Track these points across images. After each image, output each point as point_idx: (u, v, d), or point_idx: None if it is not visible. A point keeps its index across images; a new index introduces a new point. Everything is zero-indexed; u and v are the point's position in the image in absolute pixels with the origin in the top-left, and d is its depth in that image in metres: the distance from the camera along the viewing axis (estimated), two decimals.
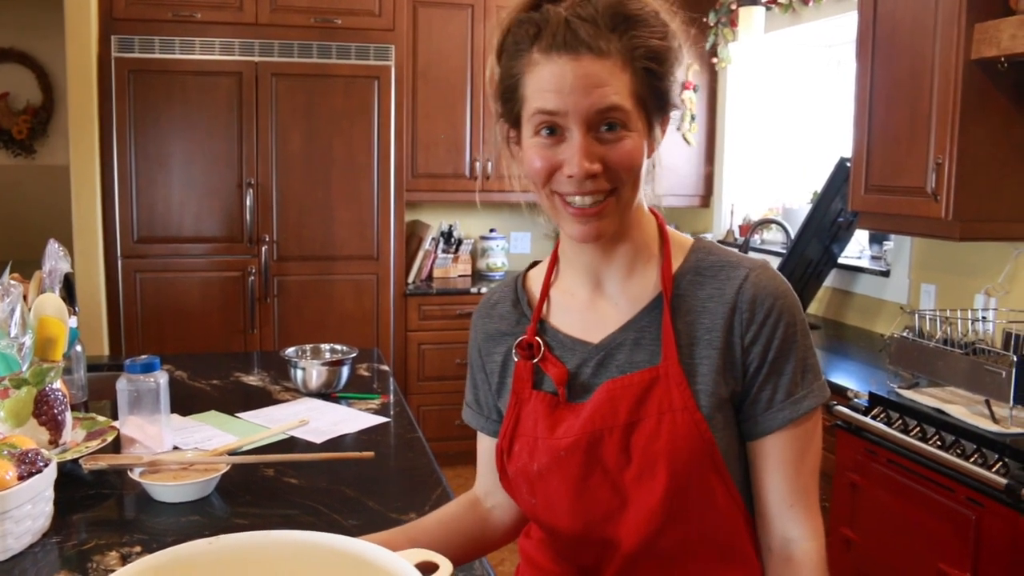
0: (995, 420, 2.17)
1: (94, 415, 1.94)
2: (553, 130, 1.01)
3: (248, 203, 4.17)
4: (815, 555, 1.06)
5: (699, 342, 1.06)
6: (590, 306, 1.14)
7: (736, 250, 1.15)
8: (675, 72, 1.04)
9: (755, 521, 1.11)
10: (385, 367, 2.69)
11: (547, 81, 0.99)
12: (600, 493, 1.08)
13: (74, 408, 1.85)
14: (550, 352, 1.14)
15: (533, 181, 1.06)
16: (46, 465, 1.44)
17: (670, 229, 1.16)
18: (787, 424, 1.06)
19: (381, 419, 2.13)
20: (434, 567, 0.98)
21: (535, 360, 1.14)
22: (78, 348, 2.10)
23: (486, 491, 1.29)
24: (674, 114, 1.10)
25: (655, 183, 1.12)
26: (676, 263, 1.11)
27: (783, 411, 1.06)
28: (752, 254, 3.78)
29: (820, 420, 1.10)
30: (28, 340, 1.63)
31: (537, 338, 1.15)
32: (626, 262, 1.12)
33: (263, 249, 4.21)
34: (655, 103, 1.03)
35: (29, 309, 1.68)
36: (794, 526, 1.07)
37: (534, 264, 1.25)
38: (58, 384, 1.73)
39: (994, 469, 2.01)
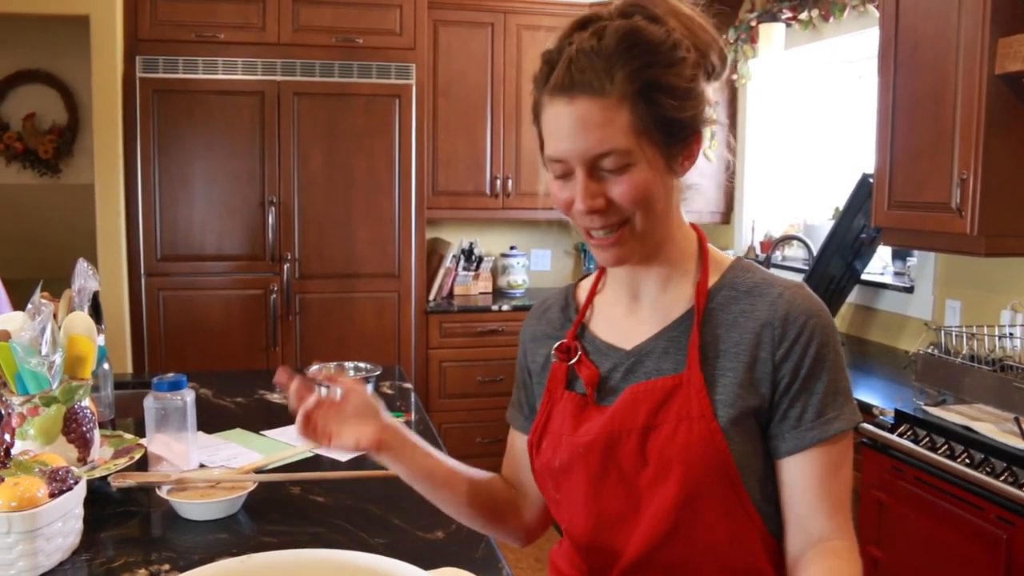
0: None
1: (121, 433, 1.95)
2: (564, 172, 1.06)
3: (270, 221, 4.19)
4: (846, 549, 1.07)
5: (725, 354, 1.09)
6: (627, 315, 1.18)
7: (775, 272, 1.18)
8: (691, 97, 1.05)
9: (780, 540, 1.11)
10: (408, 385, 2.70)
11: (550, 126, 1.05)
12: (615, 494, 1.12)
13: (101, 426, 1.86)
14: (586, 356, 1.19)
15: (562, 211, 1.11)
16: (76, 483, 1.44)
17: (711, 247, 1.18)
18: (815, 444, 1.06)
19: None
20: None
21: (571, 362, 1.19)
22: (105, 366, 2.12)
23: (505, 473, 1.36)
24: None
25: (689, 202, 1.16)
26: (713, 279, 1.14)
27: (812, 431, 1.06)
28: (774, 271, 3.76)
29: (851, 446, 1.10)
30: (58, 358, 1.64)
31: (576, 342, 1.20)
32: (661, 276, 1.15)
33: (285, 267, 4.24)
34: (666, 131, 1.04)
35: (59, 327, 1.69)
36: (818, 535, 1.07)
37: (585, 275, 1.31)
38: (87, 402, 1.74)
39: None
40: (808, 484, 1.07)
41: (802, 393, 1.07)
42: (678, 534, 1.08)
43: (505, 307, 4.60)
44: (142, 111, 4.03)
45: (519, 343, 1.33)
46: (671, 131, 1.04)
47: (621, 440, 1.10)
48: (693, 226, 1.20)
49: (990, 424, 2.26)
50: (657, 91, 1.02)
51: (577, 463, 1.14)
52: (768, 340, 1.07)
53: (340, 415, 1.18)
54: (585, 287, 1.27)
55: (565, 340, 1.21)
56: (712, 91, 1.09)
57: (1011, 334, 2.58)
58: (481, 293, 4.93)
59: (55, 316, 1.68)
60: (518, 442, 1.32)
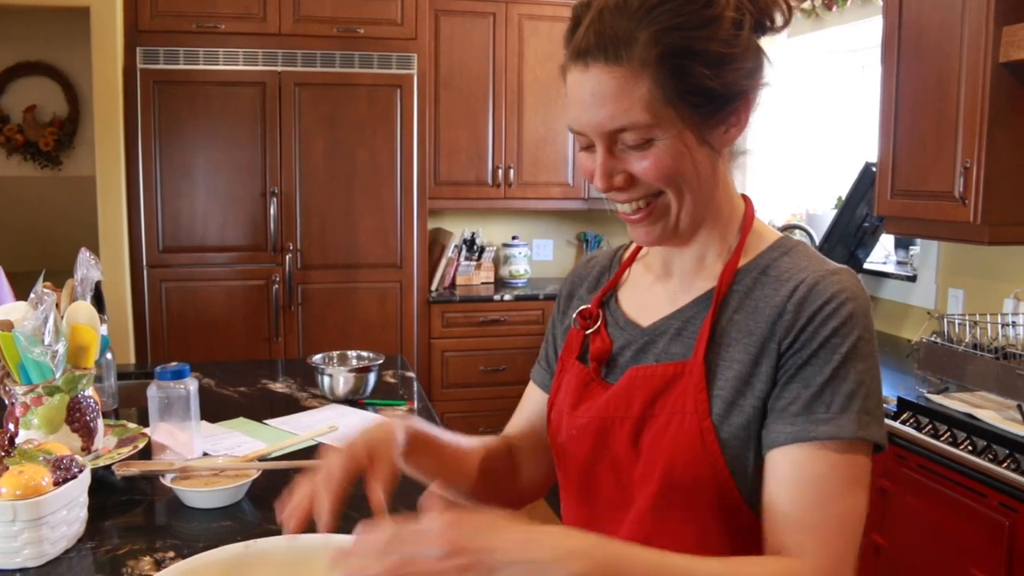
0: None
1: (125, 422, 1.95)
2: (587, 143, 0.98)
3: (272, 212, 4.19)
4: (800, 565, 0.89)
5: (736, 344, 0.97)
6: (653, 288, 1.09)
7: (826, 258, 1.02)
8: (729, 60, 0.92)
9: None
10: (410, 374, 2.70)
11: (570, 96, 0.96)
12: (604, 484, 1.05)
13: (105, 415, 1.86)
14: (605, 327, 1.11)
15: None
16: (80, 471, 1.45)
17: (759, 221, 1.06)
18: (793, 441, 0.91)
19: None
20: None
21: (588, 332, 1.11)
22: (108, 356, 2.12)
23: (514, 428, 1.25)
24: None
25: (744, 172, 1.06)
26: (746, 258, 1.02)
27: (792, 425, 0.91)
28: None
29: (864, 472, 0.92)
30: (61, 348, 1.64)
31: (599, 309, 1.12)
32: (697, 252, 1.05)
33: (287, 258, 4.24)
34: (698, 102, 0.92)
35: (62, 317, 1.69)
36: (776, 546, 0.91)
37: None
38: (90, 391, 1.74)
39: None
40: (783, 486, 0.91)
41: (794, 381, 0.93)
42: (659, 537, 0.96)
43: (507, 297, 4.60)
44: (143, 102, 4.03)
45: (558, 296, 1.24)
46: (705, 101, 0.92)
47: (614, 428, 1.02)
48: (744, 197, 1.08)
49: (992, 411, 2.26)
50: (685, 57, 0.90)
51: (572, 445, 1.08)
52: (780, 329, 0.95)
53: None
54: (632, 250, 1.18)
55: (589, 306, 1.13)
56: (743, 59, 0.94)
57: (1014, 322, 2.58)
58: (483, 283, 4.93)
59: (58, 306, 1.68)
60: (535, 395, 1.22)
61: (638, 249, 1.16)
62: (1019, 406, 2.20)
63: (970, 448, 2.18)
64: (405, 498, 1.66)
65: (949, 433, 2.27)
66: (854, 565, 0.91)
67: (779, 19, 0.96)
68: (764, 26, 0.96)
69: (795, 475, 0.91)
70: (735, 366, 0.96)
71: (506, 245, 5.03)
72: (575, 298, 1.20)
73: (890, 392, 2.57)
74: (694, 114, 0.92)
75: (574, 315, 1.14)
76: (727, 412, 0.95)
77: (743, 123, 0.98)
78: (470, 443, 1.17)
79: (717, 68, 0.91)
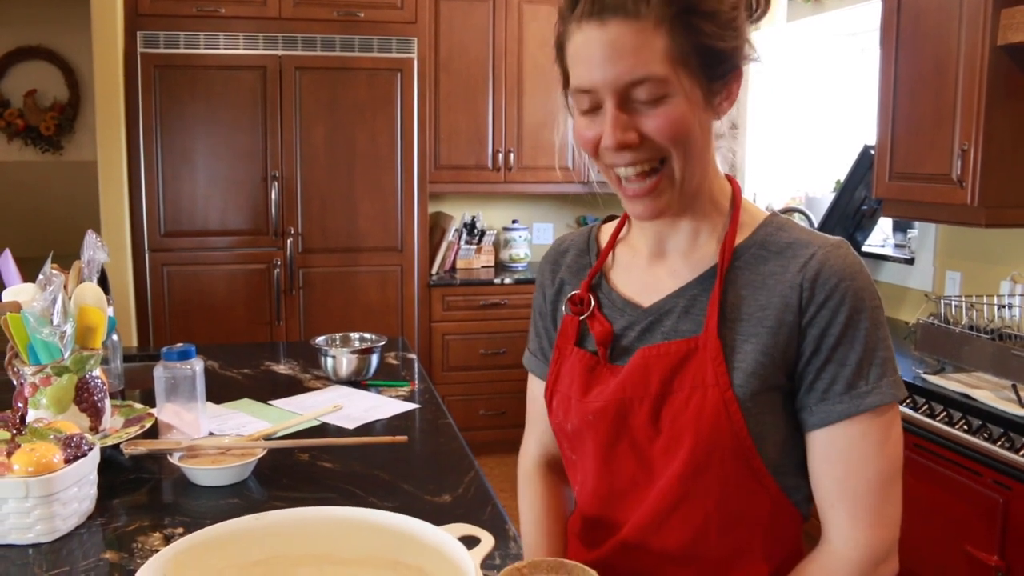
0: (1022, 404, 2.17)
1: (131, 403, 1.98)
2: (593, 105, 0.98)
3: (273, 196, 4.21)
4: (845, 563, 0.99)
5: (749, 319, 1.00)
6: (649, 268, 1.10)
7: (815, 230, 1.08)
8: (733, 27, 0.97)
9: (807, 512, 1.06)
10: (412, 355, 2.72)
11: (578, 55, 0.96)
12: (625, 462, 1.07)
13: (111, 396, 1.88)
14: (599, 310, 1.12)
15: (588, 155, 1.02)
16: (90, 449, 1.47)
17: (746, 200, 1.10)
18: (844, 418, 0.98)
19: (411, 406, 2.16)
20: (476, 540, 1.00)
21: (583, 317, 1.12)
22: (115, 338, 2.14)
23: (540, 441, 1.28)
24: None
25: (736, 145, 1.09)
26: (743, 236, 1.06)
27: (840, 404, 0.98)
28: None
29: (895, 424, 1.00)
30: (69, 328, 1.66)
31: (590, 294, 1.13)
32: (691, 229, 1.07)
33: (288, 241, 4.26)
34: (706, 62, 0.96)
35: (69, 298, 1.71)
36: (833, 529, 1.00)
37: (612, 217, 1.22)
38: (98, 372, 1.76)
39: (1021, 452, 2.02)
40: (836, 461, 0.98)
41: (830, 363, 0.98)
42: (683, 508, 1.03)
43: (507, 280, 4.62)
44: (144, 87, 4.03)
45: (536, 286, 1.25)
46: (712, 62, 0.96)
47: (633, 408, 1.04)
48: (728, 177, 1.11)
49: (988, 391, 2.29)
50: (697, 16, 0.93)
51: (587, 430, 1.08)
52: (795, 304, 0.98)
53: None
54: (608, 230, 1.19)
55: (578, 291, 1.14)
56: (746, 25, 0.99)
57: (1010, 304, 2.60)
58: (483, 267, 4.95)
59: (65, 287, 1.70)
60: (536, 387, 1.25)
61: (617, 231, 1.17)
62: (1014, 386, 2.22)
63: (966, 428, 2.21)
64: (412, 464, 1.69)
65: (945, 413, 2.29)
66: (899, 510, 1.00)
67: (763, 6, 1.02)
68: (751, 7, 1.01)
69: (845, 449, 0.98)
70: (752, 340, 0.99)
71: (506, 229, 5.05)
72: (561, 283, 1.20)
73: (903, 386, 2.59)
74: (703, 74, 0.96)
75: (565, 301, 1.15)
76: (748, 383, 0.98)
77: (734, 96, 1.01)
78: (551, 513, 1.23)
79: (724, 29, 0.95)
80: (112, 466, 1.69)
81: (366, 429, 1.98)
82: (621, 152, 0.97)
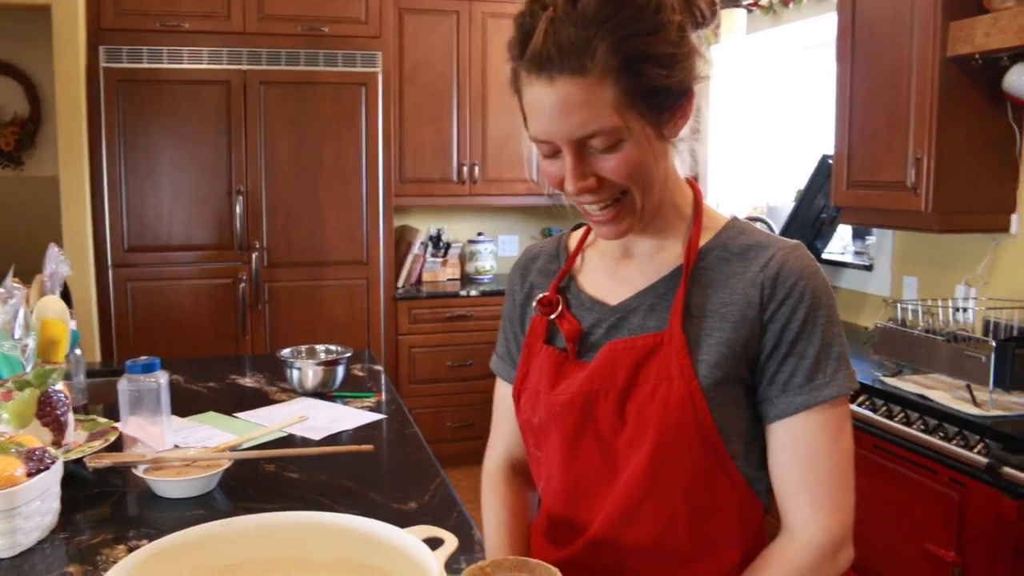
0: (976, 404, 2.22)
1: (95, 417, 1.97)
2: (552, 151, 1.02)
3: (238, 210, 4.20)
4: (808, 549, 1.02)
5: (713, 315, 1.05)
6: (616, 270, 1.15)
7: (772, 233, 1.14)
8: (679, 63, 0.99)
9: (768, 504, 1.10)
10: (378, 367, 2.73)
11: (532, 107, 0.99)
12: (590, 456, 1.10)
13: (74, 411, 1.87)
14: (568, 310, 1.16)
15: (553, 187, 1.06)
16: (53, 462, 1.46)
17: (707, 205, 1.14)
18: (803, 410, 1.03)
19: (377, 416, 2.17)
20: (440, 542, 1.02)
21: (552, 317, 1.16)
22: (77, 352, 2.13)
23: (506, 444, 1.30)
24: None
25: (698, 146, 1.11)
26: (705, 238, 1.11)
27: (800, 395, 1.03)
28: None
29: (848, 415, 1.06)
30: (31, 342, 1.66)
31: (558, 295, 1.17)
32: (656, 234, 1.12)
33: (253, 256, 4.24)
34: (655, 101, 0.98)
35: (31, 312, 1.70)
36: (795, 517, 1.04)
37: (580, 225, 1.25)
38: (60, 386, 1.76)
39: (975, 450, 2.07)
40: (798, 451, 1.03)
41: (790, 356, 1.03)
42: (651, 501, 1.05)
43: (473, 293, 4.64)
44: (106, 102, 4.01)
45: (507, 291, 1.29)
46: (660, 99, 0.99)
47: (599, 400, 1.07)
48: (689, 181, 1.15)
49: (943, 392, 2.34)
50: (642, 61, 0.95)
51: (554, 422, 1.11)
52: (757, 301, 1.04)
53: None
54: (576, 237, 1.23)
55: (547, 293, 1.18)
56: (699, 39, 1.02)
57: (964, 308, 2.67)
58: (449, 279, 4.96)
59: (27, 301, 1.69)
60: (503, 391, 1.28)
61: (584, 236, 1.22)
62: (968, 386, 2.28)
63: (922, 427, 2.26)
64: (377, 473, 1.70)
65: (903, 414, 2.34)
66: (853, 497, 1.07)
67: (703, 7, 1.03)
68: (699, 24, 1.03)
69: (804, 439, 1.03)
70: (716, 334, 1.04)
71: (471, 241, 5.07)
72: (530, 287, 1.24)
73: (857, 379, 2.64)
74: (652, 112, 0.99)
75: (534, 303, 1.19)
76: (712, 374, 1.03)
77: (688, 114, 1.04)
78: (515, 514, 1.25)
79: (670, 68, 0.98)
80: (75, 480, 1.68)
81: (332, 440, 1.98)
82: (582, 195, 1.02)
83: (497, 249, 5.20)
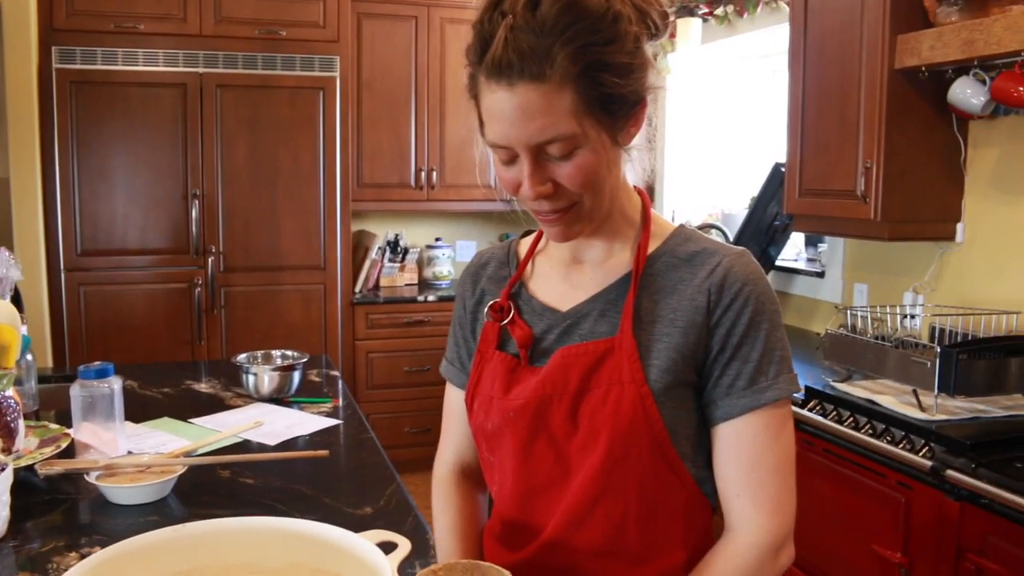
0: (922, 408, 2.28)
1: (46, 423, 1.94)
2: (509, 157, 1.03)
3: (194, 215, 4.16)
4: (751, 548, 1.05)
5: (662, 320, 1.08)
6: (567, 277, 1.17)
7: (720, 240, 1.16)
8: (634, 72, 1.01)
9: (717, 505, 1.12)
10: (335, 372, 2.73)
11: (491, 112, 1.00)
12: (543, 460, 1.11)
13: (25, 417, 1.85)
14: (519, 316, 1.17)
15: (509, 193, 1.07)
16: (2, 469, 1.45)
17: (654, 213, 1.16)
18: (747, 412, 1.05)
19: (333, 421, 2.17)
20: (393, 546, 1.02)
21: (503, 323, 1.18)
22: (28, 357, 2.11)
23: (457, 449, 1.32)
24: None
25: (653, 158, 1.14)
26: (654, 245, 1.13)
27: (744, 398, 1.06)
28: None
29: (790, 418, 1.09)
30: None
31: (509, 301, 1.18)
32: (605, 241, 1.14)
33: (209, 260, 4.21)
34: (611, 108, 1.00)
35: None
36: (738, 517, 1.07)
37: (530, 231, 1.26)
38: (10, 392, 1.73)
39: (921, 454, 2.12)
40: (741, 452, 1.06)
41: (734, 360, 1.06)
42: (603, 502, 1.07)
43: (431, 298, 4.64)
44: (59, 103, 3.96)
45: (456, 298, 1.30)
46: (615, 107, 1.00)
47: (552, 404, 1.09)
48: (637, 190, 1.17)
49: (891, 397, 2.39)
50: (600, 70, 0.97)
51: (507, 427, 1.12)
52: (704, 306, 1.06)
53: None
54: (527, 244, 1.24)
55: (499, 300, 1.19)
56: (652, 49, 1.04)
57: (912, 314, 2.73)
58: (407, 284, 4.96)
59: None
60: (454, 395, 1.30)
61: (535, 243, 1.23)
62: (915, 391, 2.33)
63: (871, 432, 2.31)
64: (332, 478, 1.70)
65: (852, 418, 2.39)
66: (794, 498, 1.09)
67: (656, 19, 1.04)
68: (650, 32, 1.04)
69: (744, 442, 1.06)
70: (665, 339, 1.07)
71: (429, 247, 5.07)
72: (481, 293, 1.25)
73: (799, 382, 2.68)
74: (608, 119, 1.01)
75: (486, 309, 1.20)
76: (662, 378, 1.05)
77: (641, 122, 1.07)
78: (467, 519, 1.26)
79: (626, 77, 1.00)
80: (26, 488, 1.66)
81: (288, 445, 1.98)
82: (539, 200, 1.04)
83: (455, 254, 5.21)
